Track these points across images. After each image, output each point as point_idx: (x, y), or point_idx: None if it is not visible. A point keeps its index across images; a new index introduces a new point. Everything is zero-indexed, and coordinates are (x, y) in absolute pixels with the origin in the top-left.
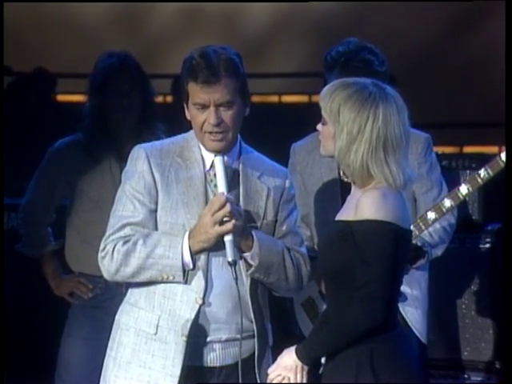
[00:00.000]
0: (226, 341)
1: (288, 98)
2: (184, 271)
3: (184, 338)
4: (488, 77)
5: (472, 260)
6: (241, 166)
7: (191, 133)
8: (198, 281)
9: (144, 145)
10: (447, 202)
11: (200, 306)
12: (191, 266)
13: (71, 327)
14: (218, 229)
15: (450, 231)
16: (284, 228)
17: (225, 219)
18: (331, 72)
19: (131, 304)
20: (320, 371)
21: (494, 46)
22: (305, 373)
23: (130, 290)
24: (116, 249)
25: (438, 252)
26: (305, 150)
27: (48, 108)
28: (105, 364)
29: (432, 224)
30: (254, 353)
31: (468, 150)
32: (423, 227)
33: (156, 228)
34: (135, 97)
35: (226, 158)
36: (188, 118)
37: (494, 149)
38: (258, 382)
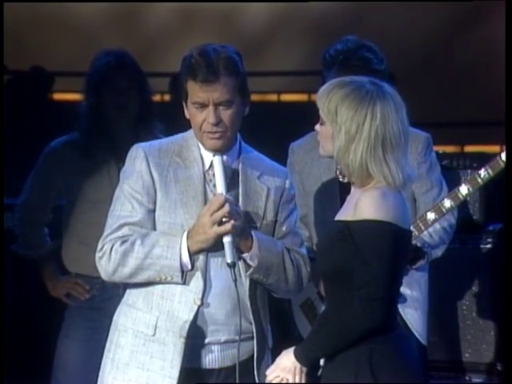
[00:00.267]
0: (225, 342)
1: (287, 97)
2: (182, 272)
3: (182, 340)
4: (489, 75)
5: (473, 260)
6: (240, 165)
7: (190, 132)
8: (197, 281)
9: (142, 144)
10: (447, 203)
11: (199, 307)
12: (189, 267)
13: (68, 329)
14: (217, 229)
15: (450, 232)
16: (284, 228)
17: (224, 220)
18: (330, 70)
19: (129, 305)
20: (319, 373)
21: (495, 45)
22: (303, 374)
23: (127, 291)
24: (114, 249)
25: (438, 253)
26: (303, 149)
27: (44, 107)
28: (102, 366)
29: (432, 224)
30: (253, 355)
31: (469, 149)
32: (423, 228)
33: (154, 228)
34: (132, 95)
35: (225, 157)
36: (187, 116)
37: (495, 148)
38: None
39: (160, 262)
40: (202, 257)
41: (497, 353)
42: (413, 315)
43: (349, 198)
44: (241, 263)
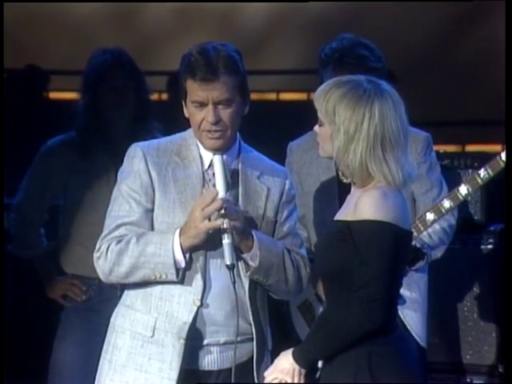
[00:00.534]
0: (224, 344)
1: (286, 96)
2: (177, 269)
3: (182, 341)
4: (490, 75)
5: (474, 261)
6: (240, 165)
7: (189, 131)
8: (196, 282)
9: (141, 143)
10: (446, 203)
11: (198, 308)
12: (183, 265)
13: (64, 330)
14: (208, 224)
15: (450, 232)
16: (284, 229)
17: (218, 215)
18: (326, 69)
19: (127, 306)
20: (317, 375)
21: (496, 44)
22: (302, 376)
23: (125, 292)
24: (110, 248)
25: (438, 254)
26: (302, 148)
27: (40, 106)
28: (99, 368)
29: (431, 225)
30: (253, 356)
31: (470, 148)
32: (422, 228)
33: (153, 228)
34: (130, 94)
35: (224, 156)
36: (186, 115)
37: (496, 147)
38: None
39: (154, 259)
40: (201, 257)
41: (498, 355)
42: (412, 317)
43: (349, 197)
44: (240, 264)
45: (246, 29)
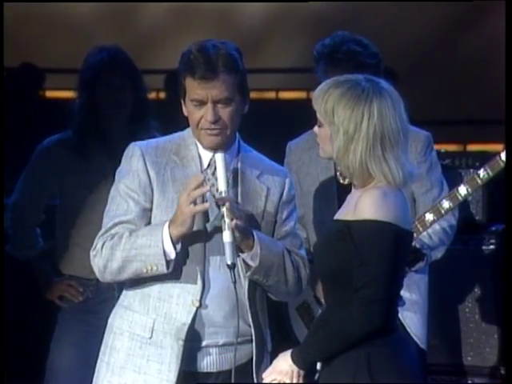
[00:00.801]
0: (223, 345)
1: (285, 94)
2: (167, 261)
3: (181, 342)
4: (491, 74)
5: (475, 262)
6: (239, 164)
7: (188, 130)
8: (195, 283)
9: (139, 142)
10: (445, 204)
11: (197, 309)
12: (173, 256)
13: (61, 331)
14: (193, 208)
15: (450, 233)
16: (283, 229)
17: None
18: (318, 65)
19: (125, 307)
20: (316, 377)
21: (496, 44)
22: (301, 377)
23: (123, 293)
24: (104, 245)
25: (438, 254)
26: (301, 148)
27: (36, 105)
28: (97, 369)
29: (430, 226)
30: (252, 358)
31: (472, 147)
32: (421, 229)
33: None
34: (127, 93)
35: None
36: (185, 114)
37: (498, 146)
38: None
39: (144, 251)
40: (200, 257)
41: (500, 356)
42: (412, 319)
43: (349, 197)
44: (240, 264)
45: (244, 27)
